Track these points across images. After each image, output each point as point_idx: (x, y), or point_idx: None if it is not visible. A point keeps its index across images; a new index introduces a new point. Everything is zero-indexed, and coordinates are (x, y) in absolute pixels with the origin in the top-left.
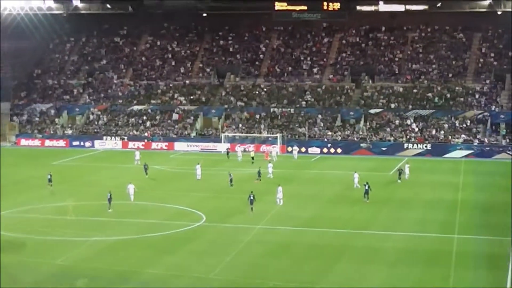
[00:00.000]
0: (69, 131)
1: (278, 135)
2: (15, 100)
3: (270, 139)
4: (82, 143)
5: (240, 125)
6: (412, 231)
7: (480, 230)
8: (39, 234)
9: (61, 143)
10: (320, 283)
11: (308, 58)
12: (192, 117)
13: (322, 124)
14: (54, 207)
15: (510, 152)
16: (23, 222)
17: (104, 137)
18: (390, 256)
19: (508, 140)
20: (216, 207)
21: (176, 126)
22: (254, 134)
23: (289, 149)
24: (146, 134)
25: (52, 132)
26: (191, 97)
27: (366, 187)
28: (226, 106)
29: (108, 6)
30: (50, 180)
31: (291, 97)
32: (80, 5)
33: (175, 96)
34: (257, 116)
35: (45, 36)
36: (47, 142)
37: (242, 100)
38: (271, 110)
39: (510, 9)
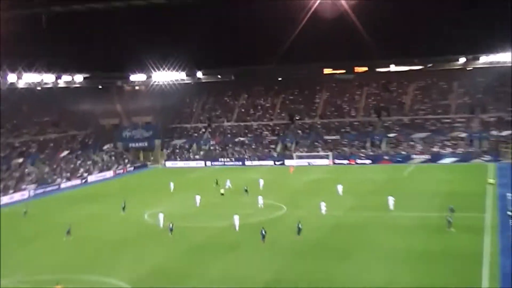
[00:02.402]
0: (197, 156)
1: (330, 153)
2: (164, 139)
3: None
4: (205, 163)
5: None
6: None
7: None
8: None
9: (192, 163)
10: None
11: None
12: (273, 144)
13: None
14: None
15: None
16: None
17: (220, 159)
18: None
19: None
20: None
21: (265, 150)
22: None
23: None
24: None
25: (186, 157)
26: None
27: None
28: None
29: (219, 76)
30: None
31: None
32: (201, 76)
33: (263, 132)
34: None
35: (181, 97)
36: (183, 163)
37: (305, 132)
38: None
39: None
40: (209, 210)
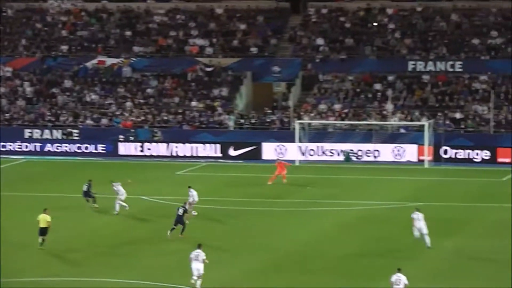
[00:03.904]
0: None
1: (425, 123)
2: None
3: (404, 131)
4: None
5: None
6: None
7: None
8: None
9: None
10: None
11: None
12: (226, 86)
13: None
14: None
15: None
16: None
17: (28, 132)
18: None
19: None
20: None
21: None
22: (372, 122)
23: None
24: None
25: None
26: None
27: None
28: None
29: None
30: None
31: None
32: None
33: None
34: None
35: None
36: None
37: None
38: (410, 67)
39: None
40: None
